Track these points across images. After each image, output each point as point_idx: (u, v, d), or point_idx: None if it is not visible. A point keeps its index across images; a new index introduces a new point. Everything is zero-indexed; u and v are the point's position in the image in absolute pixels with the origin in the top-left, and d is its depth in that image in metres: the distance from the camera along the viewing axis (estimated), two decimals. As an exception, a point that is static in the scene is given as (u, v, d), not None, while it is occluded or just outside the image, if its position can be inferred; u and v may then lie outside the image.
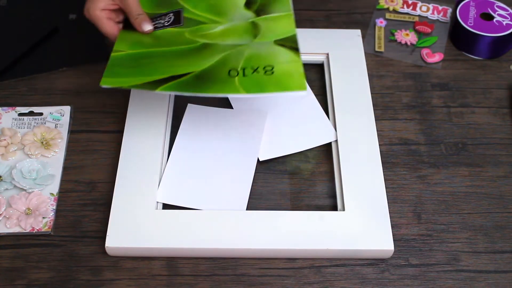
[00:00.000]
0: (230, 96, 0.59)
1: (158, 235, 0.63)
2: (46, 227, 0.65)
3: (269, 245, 0.62)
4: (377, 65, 0.82)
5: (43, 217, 0.66)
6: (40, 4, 0.87)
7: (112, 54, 0.67)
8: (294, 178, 0.70)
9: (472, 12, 0.85)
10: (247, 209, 0.66)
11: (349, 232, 0.63)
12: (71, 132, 0.74)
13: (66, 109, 0.75)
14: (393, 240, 0.63)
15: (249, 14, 0.71)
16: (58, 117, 0.75)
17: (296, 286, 0.62)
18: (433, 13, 0.89)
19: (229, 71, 0.63)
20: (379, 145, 0.71)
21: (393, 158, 0.72)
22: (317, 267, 0.63)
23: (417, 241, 0.65)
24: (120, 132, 0.72)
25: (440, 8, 0.89)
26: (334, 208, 0.67)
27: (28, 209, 0.66)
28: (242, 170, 0.70)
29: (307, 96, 0.77)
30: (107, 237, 0.62)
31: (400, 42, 0.85)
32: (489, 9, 0.85)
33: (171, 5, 0.74)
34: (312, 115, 0.75)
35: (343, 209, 0.65)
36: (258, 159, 0.71)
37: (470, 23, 0.83)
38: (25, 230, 0.65)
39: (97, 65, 0.81)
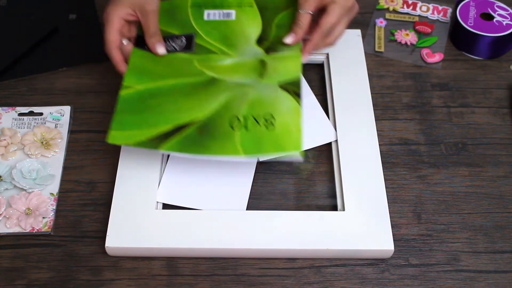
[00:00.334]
0: (230, 159, 0.63)
1: (158, 235, 0.63)
2: (46, 227, 0.65)
3: (269, 245, 0.62)
4: (377, 65, 0.82)
5: (43, 217, 0.66)
6: (40, 4, 0.87)
7: (122, 92, 0.67)
8: (294, 178, 0.70)
9: (472, 12, 0.85)
10: (247, 209, 0.66)
11: (349, 232, 0.63)
12: (71, 132, 0.74)
13: (66, 109, 0.75)
14: (393, 240, 0.63)
15: (259, 51, 0.72)
16: (58, 117, 0.75)
17: (296, 286, 0.62)
18: (433, 13, 0.89)
19: (232, 120, 0.65)
20: (379, 145, 0.71)
21: (393, 158, 0.72)
22: (317, 267, 0.63)
23: (417, 241, 0.65)
24: (120, 132, 0.72)
25: (440, 8, 0.89)
26: (334, 208, 0.67)
27: (28, 209, 0.66)
28: (242, 170, 0.70)
29: (307, 96, 0.77)
30: (107, 237, 0.62)
31: (400, 42, 0.85)
32: (489, 9, 0.85)
33: (184, 25, 0.75)
34: (312, 115, 0.75)
35: (343, 209, 0.65)
36: (258, 159, 0.71)
37: (470, 23, 0.83)
38: (25, 230, 0.65)
39: (97, 65, 0.81)
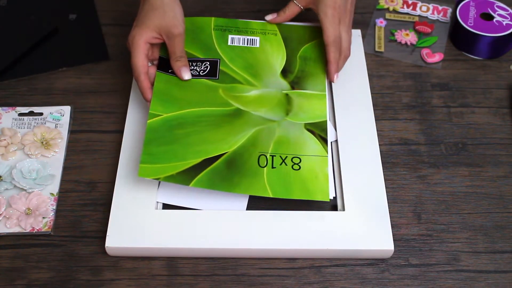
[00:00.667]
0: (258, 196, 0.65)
1: (158, 235, 0.63)
2: (46, 227, 0.65)
3: (269, 245, 0.62)
4: (377, 65, 0.82)
5: (43, 217, 0.66)
6: (40, 4, 0.87)
7: (149, 121, 0.67)
8: (294, 178, 0.70)
9: (472, 12, 0.85)
10: (247, 209, 0.66)
11: (349, 232, 0.63)
12: (71, 132, 0.74)
13: (66, 109, 0.75)
14: (393, 240, 0.63)
15: (284, 84, 0.73)
16: (58, 117, 0.75)
17: (296, 286, 0.62)
18: (433, 13, 0.89)
19: (259, 157, 0.66)
20: (379, 145, 0.71)
21: (393, 158, 0.72)
22: (317, 267, 0.63)
23: (417, 241, 0.65)
24: (120, 132, 0.72)
25: (440, 8, 0.89)
26: (334, 208, 0.67)
27: (28, 209, 0.66)
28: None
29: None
30: (107, 237, 0.62)
31: (400, 42, 0.85)
32: (489, 9, 0.85)
33: (208, 48, 0.75)
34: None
35: (343, 209, 0.65)
36: None
37: (470, 23, 0.83)
38: (25, 230, 0.65)
39: (97, 65, 0.81)
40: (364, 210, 0.65)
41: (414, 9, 0.89)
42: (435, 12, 0.89)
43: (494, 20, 0.83)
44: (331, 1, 0.71)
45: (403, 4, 0.90)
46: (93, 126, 0.75)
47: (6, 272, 0.62)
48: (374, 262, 0.64)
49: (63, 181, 0.69)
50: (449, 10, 0.89)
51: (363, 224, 0.64)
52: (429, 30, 0.86)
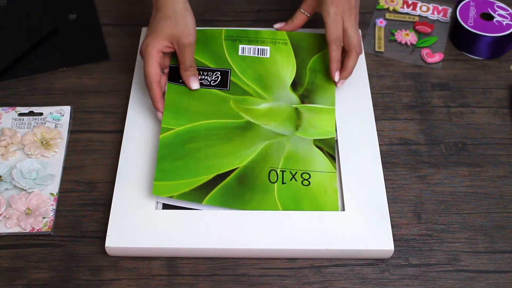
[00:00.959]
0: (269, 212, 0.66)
1: (158, 235, 0.63)
2: (46, 227, 0.65)
3: (269, 245, 0.62)
4: (377, 65, 0.82)
5: (43, 217, 0.66)
6: (40, 4, 0.87)
7: (161, 136, 0.68)
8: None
9: (472, 12, 0.85)
10: (247, 209, 0.67)
11: (349, 232, 0.63)
12: (71, 132, 0.74)
13: (66, 109, 0.75)
14: (393, 240, 0.63)
15: (294, 98, 0.74)
16: (58, 117, 0.75)
17: (296, 286, 0.62)
18: (433, 13, 0.89)
19: (269, 172, 0.67)
20: (379, 145, 0.71)
21: (393, 158, 0.72)
22: (317, 267, 0.63)
23: (417, 241, 0.65)
24: (120, 132, 0.72)
25: (440, 8, 0.89)
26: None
27: (28, 209, 0.66)
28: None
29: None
30: (107, 237, 0.62)
31: (400, 42, 0.85)
32: (489, 9, 0.85)
33: (218, 58, 0.76)
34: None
35: (343, 209, 0.65)
36: None
37: (470, 23, 0.83)
38: (25, 230, 0.65)
39: (97, 65, 0.81)
40: (364, 210, 0.65)
41: (414, 9, 0.89)
42: (435, 12, 0.89)
43: (494, 20, 0.83)
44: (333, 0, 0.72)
45: (403, 4, 0.90)
46: (93, 126, 0.75)
47: (6, 272, 0.62)
48: (374, 262, 0.64)
49: (63, 181, 0.69)
50: (449, 10, 0.89)
51: (363, 224, 0.64)
52: (429, 30, 0.86)
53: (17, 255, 0.64)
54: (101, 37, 0.84)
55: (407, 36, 0.86)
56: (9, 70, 0.80)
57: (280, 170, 0.67)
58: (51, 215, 0.66)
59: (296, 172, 0.67)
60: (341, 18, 0.72)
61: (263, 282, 0.62)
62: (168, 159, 0.67)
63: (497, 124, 0.76)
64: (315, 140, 0.70)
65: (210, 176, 0.66)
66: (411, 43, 0.85)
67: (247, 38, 0.78)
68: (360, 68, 0.78)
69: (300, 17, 0.77)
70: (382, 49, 0.84)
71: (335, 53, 0.72)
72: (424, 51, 0.84)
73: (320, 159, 0.69)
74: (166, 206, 0.67)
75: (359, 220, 0.64)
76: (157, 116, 0.71)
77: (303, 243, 0.62)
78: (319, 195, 0.66)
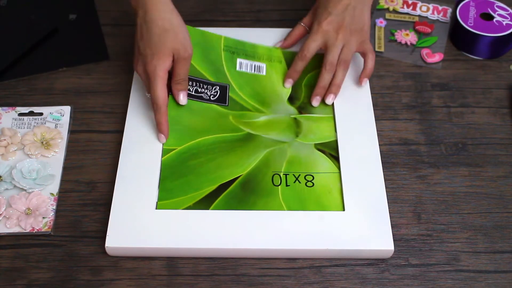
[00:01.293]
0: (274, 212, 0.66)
1: (158, 235, 0.63)
2: (46, 227, 0.65)
3: (269, 245, 0.62)
4: (377, 65, 0.82)
5: (43, 217, 0.66)
6: (40, 4, 0.87)
7: (163, 158, 0.68)
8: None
9: (472, 12, 0.85)
10: (247, 209, 0.67)
11: (349, 232, 0.63)
12: (71, 132, 0.74)
13: (66, 109, 0.75)
14: (393, 240, 0.63)
15: (292, 109, 0.75)
16: (58, 117, 0.75)
17: (296, 286, 0.62)
18: (433, 13, 0.89)
19: (273, 176, 0.67)
20: (379, 145, 0.71)
21: (393, 158, 0.72)
22: (317, 267, 0.63)
23: (417, 241, 0.65)
24: (120, 132, 0.72)
25: (440, 8, 0.89)
26: (334, 208, 0.67)
27: (28, 209, 0.66)
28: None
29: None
30: (107, 237, 0.62)
31: (400, 42, 0.85)
32: (489, 9, 0.85)
33: (217, 70, 0.77)
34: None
35: (343, 209, 0.65)
36: None
37: (470, 23, 0.83)
38: (25, 230, 0.65)
39: (97, 65, 0.81)
40: (364, 210, 0.65)
41: (414, 9, 0.89)
42: (435, 12, 0.89)
43: (494, 20, 0.83)
44: (321, 16, 0.73)
45: (403, 4, 0.90)
46: (93, 126, 0.75)
47: (6, 272, 0.62)
48: (374, 262, 0.64)
49: (63, 181, 0.69)
50: (449, 10, 0.89)
51: (363, 224, 0.64)
52: (429, 30, 0.86)
53: (17, 255, 0.64)
54: (101, 37, 0.84)
55: (407, 36, 0.86)
56: (9, 70, 0.80)
57: (283, 174, 0.68)
58: (51, 215, 0.66)
59: (300, 175, 0.68)
60: (321, 35, 0.73)
61: (263, 282, 0.62)
62: (171, 178, 0.67)
63: (497, 124, 0.76)
64: (316, 144, 0.71)
65: (214, 187, 0.67)
66: (411, 43, 0.85)
67: (244, 51, 0.79)
68: (360, 68, 0.78)
69: (298, 29, 0.79)
70: (382, 49, 0.84)
71: (293, 66, 0.75)
72: (424, 51, 0.84)
73: (322, 161, 0.69)
74: (166, 206, 0.67)
75: (359, 220, 0.64)
76: (158, 137, 0.70)
77: (303, 243, 0.62)
78: (323, 195, 0.66)
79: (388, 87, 0.80)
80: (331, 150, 0.70)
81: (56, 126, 0.74)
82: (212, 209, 0.65)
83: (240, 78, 0.77)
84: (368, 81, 0.76)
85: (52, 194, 0.68)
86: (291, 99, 0.76)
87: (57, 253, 0.64)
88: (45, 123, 0.74)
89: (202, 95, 0.74)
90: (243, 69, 0.78)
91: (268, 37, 0.82)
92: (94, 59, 0.81)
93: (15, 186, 0.68)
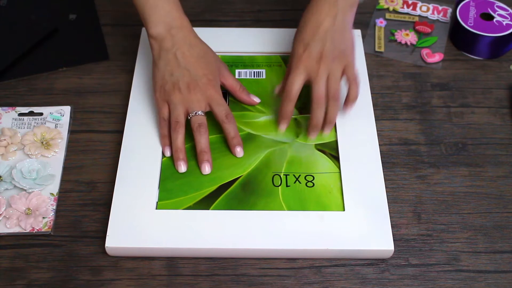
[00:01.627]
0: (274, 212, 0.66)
1: (158, 235, 0.63)
2: (46, 227, 0.65)
3: (269, 245, 0.62)
4: (377, 65, 0.82)
5: (43, 217, 0.66)
6: (40, 4, 0.87)
7: (163, 159, 0.69)
8: (294, 178, 0.70)
9: (472, 12, 0.85)
10: (247, 209, 0.67)
11: (349, 232, 0.63)
12: (71, 132, 0.74)
13: (66, 109, 0.75)
14: (393, 240, 0.63)
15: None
16: (58, 117, 0.75)
17: (296, 286, 0.62)
18: (433, 13, 0.89)
19: (273, 176, 0.68)
20: (379, 145, 0.71)
21: (393, 158, 0.72)
22: (317, 267, 0.63)
23: (417, 241, 0.65)
24: (120, 132, 0.72)
25: (440, 8, 0.89)
26: (334, 208, 0.67)
27: (28, 209, 0.66)
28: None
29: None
30: (107, 237, 0.62)
31: (400, 42, 0.85)
32: (489, 9, 0.85)
33: None
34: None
35: (343, 209, 0.65)
36: None
37: (470, 23, 0.83)
38: (25, 230, 0.65)
39: (97, 65, 0.81)
40: (364, 210, 0.65)
41: (414, 9, 0.89)
42: (435, 12, 0.89)
43: (494, 20, 0.83)
44: (299, 48, 0.68)
45: (403, 4, 0.90)
46: (93, 126, 0.75)
47: (6, 272, 0.62)
48: (374, 262, 0.64)
49: (63, 181, 0.69)
50: (449, 10, 0.89)
51: (363, 224, 0.64)
52: (429, 30, 0.86)
53: (17, 255, 0.64)
54: (101, 37, 0.84)
55: (407, 36, 0.86)
56: (9, 70, 0.80)
57: (284, 174, 0.68)
58: (51, 215, 0.66)
59: (300, 175, 0.68)
60: (302, 69, 0.68)
61: (263, 282, 0.62)
62: (171, 178, 0.67)
63: (497, 124, 0.76)
64: (316, 145, 0.71)
65: (214, 188, 0.67)
66: (411, 43, 0.85)
67: (242, 63, 0.80)
68: (360, 68, 0.78)
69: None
70: (382, 49, 0.84)
71: (281, 107, 0.70)
72: (424, 51, 0.84)
73: (323, 161, 0.69)
74: (166, 206, 0.67)
75: (359, 220, 0.64)
76: (164, 150, 0.69)
77: (303, 243, 0.62)
78: (323, 195, 0.66)
79: (388, 87, 0.80)
80: (331, 150, 0.70)
81: (56, 126, 0.74)
82: (212, 210, 0.65)
83: None
84: (353, 105, 0.71)
85: (52, 194, 0.68)
86: None
87: (57, 253, 0.64)
88: (45, 123, 0.74)
89: None
90: (242, 77, 0.78)
91: (268, 37, 0.82)
92: (94, 59, 0.82)
93: (15, 186, 0.68)
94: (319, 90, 0.67)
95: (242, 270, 0.63)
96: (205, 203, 0.65)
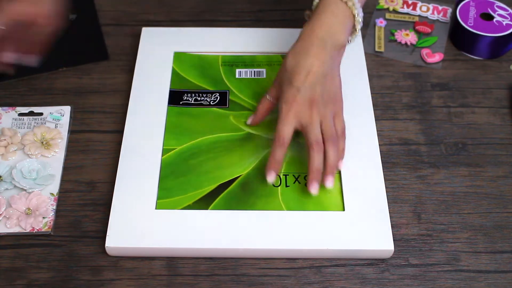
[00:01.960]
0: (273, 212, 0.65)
1: (158, 235, 0.63)
2: (46, 227, 0.65)
3: (269, 245, 0.62)
4: (377, 65, 0.82)
5: (43, 217, 0.66)
6: (40, 4, 0.87)
7: (163, 157, 0.69)
8: (294, 178, 0.70)
9: (472, 12, 0.85)
10: (247, 209, 0.67)
11: (349, 232, 0.63)
12: (71, 132, 0.74)
13: (66, 109, 0.75)
14: (393, 240, 0.63)
15: None
16: (58, 117, 0.75)
17: (296, 286, 0.62)
18: (433, 13, 0.89)
19: None
20: (379, 145, 0.71)
21: (393, 158, 0.72)
22: (317, 267, 0.63)
23: (417, 241, 0.65)
24: (120, 132, 0.72)
25: (440, 8, 0.89)
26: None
27: (28, 209, 0.66)
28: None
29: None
30: (107, 237, 0.62)
31: (400, 42, 0.85)
32: (489, 9, 0.85)
33: (217, 82, 0.77)
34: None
35: (343, 209, 0.65)
36: None
37: (470, 23, 0.83)
38: (25, 230, 0.65)
39: (97, 65, 0.81)
40: (364, 210, 0.65)
41: (414, 9, 0.89)
42: (435, 12, 0.89)
43: (494, 20, 0.83)
44: (288, 94, 0.65)
45: (403, 4, 0.90)
46: (93, 126, 0.75)
47: (6, 272, 0.62)
48: (374, 262, 0.64)
49: (63, 181, 0.69)
50: (449, 10, 0.89)
51: (363, 224, 0.64)
52: (429, 30, 0.86)
53: (17, 255, 0.64)
54: (101, 37, 0.84)
55: (407, 36, 0.86)
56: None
57: (283, 174, 0.68)
58: (51, 215, 0.66)
59: (299, 175, 0.68)
60: (293, 115, 0.65)
61: (263, 282, 0.62)
62: (171, 177, 0.67)
63: (497, 124, 0.76)
64: None
65: (213, 187, 0.67)
66: (411, 43, 0.85)
67: (243, 62, 0.80)
68: (360, 68, 0.78)
69: (265, 104, 0.71)
70: (382, 49, 0.84)
71: (273, 152, 0.65)
72: (424, 51, 0.84)
73: None
74: (166, 206, 0.67)
75: (359, 220, 0.64)
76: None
77: (303, 243, 0.62)
78: (323, 195, 0.66)
79: (388, 87, 0.80)
80: None
81: (56, 126, 0.74)
82: (212, 209, 0.65)
83: (240, 83, 0.77)
84: (341, 163, 0.68)
85: (52, 194, 0.68)
86: None
87: (57, 253, 0.64)
88: (45, 123, 0.74)
89: (202, 101, 0.74)
90: (243, 76, 0.78)
91: (268, 37, 0.82)
92: (94, 59, 0.81)
93: (15, 186, 0.68)
94: (316, 136, 0.64)
95: (242, 270, 0.63)
96: (204, 202, 0.65)
